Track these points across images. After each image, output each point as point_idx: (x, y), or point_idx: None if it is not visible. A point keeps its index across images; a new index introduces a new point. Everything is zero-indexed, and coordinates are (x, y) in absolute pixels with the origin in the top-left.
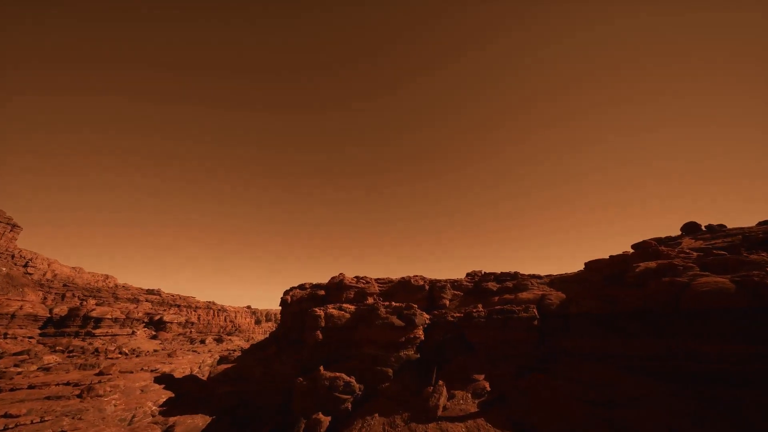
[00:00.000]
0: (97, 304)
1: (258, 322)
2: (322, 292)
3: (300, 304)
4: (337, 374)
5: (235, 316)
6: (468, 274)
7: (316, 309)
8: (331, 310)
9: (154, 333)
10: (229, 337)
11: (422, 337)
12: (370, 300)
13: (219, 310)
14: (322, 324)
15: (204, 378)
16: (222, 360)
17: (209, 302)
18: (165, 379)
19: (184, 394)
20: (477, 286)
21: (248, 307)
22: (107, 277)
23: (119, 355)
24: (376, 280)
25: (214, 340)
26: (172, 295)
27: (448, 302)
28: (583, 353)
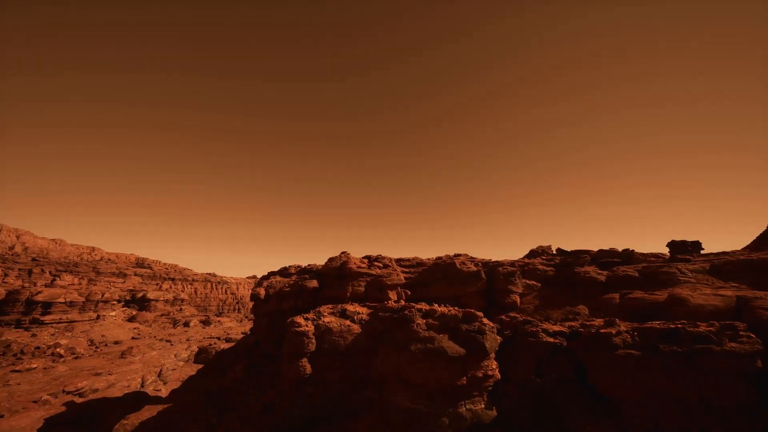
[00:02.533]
0: (45, 285)
1: None
2: (314, 283)
3: (280, 302)
4: None
5: (237, 288)
6: (535, 253)
7: (300, 319)
8: (328, 318)
9: (134, 313)
10: (219, 319)
11: (497, 374)
12: (393, 297)
13: (218, 282)
14: (311, 346)
15: (164, 385)
16: (200, 353)
17: (208, 274)
18: (61, 419)
19: None
20: (565, 272)
21: (253, 276)
22: (93, 249)
23: (44, 358)
24: (399, 261)
25: (201, 322)
26: (166, 268)
27: (518, 299)
28: None
